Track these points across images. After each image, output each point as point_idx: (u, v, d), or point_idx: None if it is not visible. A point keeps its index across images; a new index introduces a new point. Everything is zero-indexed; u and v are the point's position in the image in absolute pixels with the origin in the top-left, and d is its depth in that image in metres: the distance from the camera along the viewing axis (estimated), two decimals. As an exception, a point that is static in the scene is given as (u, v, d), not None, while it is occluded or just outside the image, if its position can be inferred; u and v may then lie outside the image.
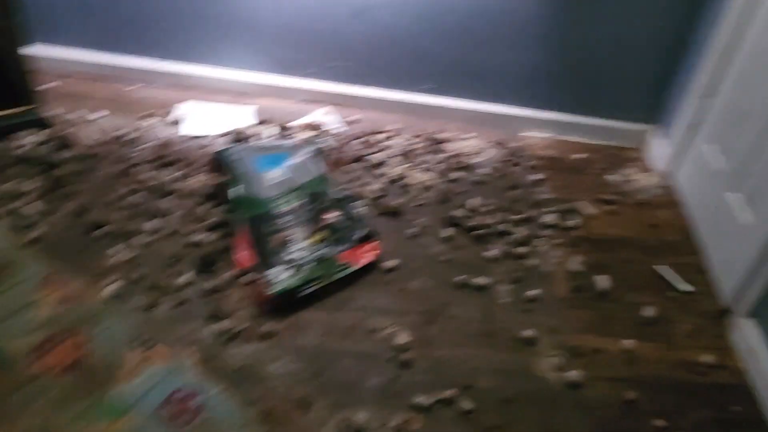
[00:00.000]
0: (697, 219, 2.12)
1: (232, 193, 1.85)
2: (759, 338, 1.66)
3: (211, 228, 1.87)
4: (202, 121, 2.33)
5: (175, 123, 2.31)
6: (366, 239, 1.85)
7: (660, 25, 2.21)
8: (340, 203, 1.90)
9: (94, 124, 2.25)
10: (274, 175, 1.94)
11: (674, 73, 2.33)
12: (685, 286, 1.90)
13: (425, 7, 2.24)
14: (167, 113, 2.36)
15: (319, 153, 2.04)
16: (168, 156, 2.13)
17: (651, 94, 2.40)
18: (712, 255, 1.97)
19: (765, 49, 1.82)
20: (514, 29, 2.26)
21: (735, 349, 1.74)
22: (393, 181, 2.15)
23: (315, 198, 1.89)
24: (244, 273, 1.74)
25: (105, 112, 2.32)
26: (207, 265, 1.76)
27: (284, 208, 1.84)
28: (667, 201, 2.25)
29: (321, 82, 2.48)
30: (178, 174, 2.06)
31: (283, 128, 2.32)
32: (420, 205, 2.09)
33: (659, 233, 2.10)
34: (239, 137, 2.25)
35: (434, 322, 1.72)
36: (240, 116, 2.38)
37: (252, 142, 2.22)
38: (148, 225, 1.86)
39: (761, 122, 1.79)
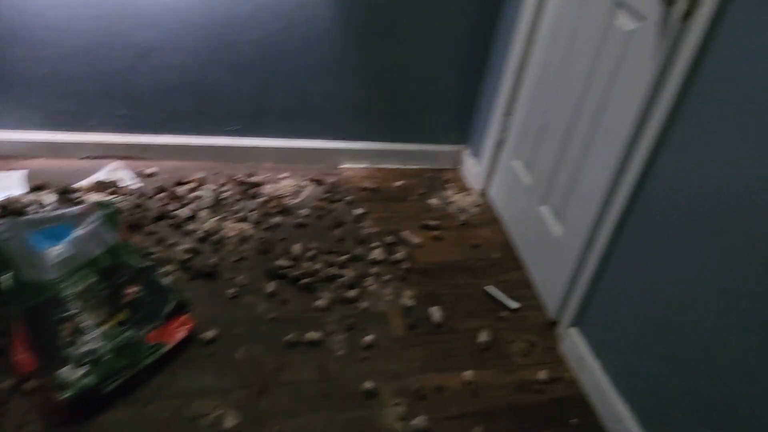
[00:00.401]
0: (515, 234, 2.17)
1: (2, 282, 1.53)
2: (585, 346, 1.71)
3: (-21, 329, 1.53)
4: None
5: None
6: (177, 311, 1.63)
7: (462, 50, 2.25)
8: (142, 274, 1.66)
9: None
10: (56, 252, 1.64)
11: (479, 94, 2.39)
12: (513, 304, 1.92)
13: (217, 45, 2.07)
14: None
15: (112, 217, 1.77)
16: None
17: (461, 116, 2.44)
18: (534, 268, 2.03)
19: (546, 69, 1.91)
20: (317, 61, 2.17)
21: (566, 359, 1.78)
22: (205, 238, 1.95)
23: (110, 273, 1.62)
24: (26, 379, 1.44)
25: None
26: (-25, 378, 1.43)
27: (71, 291, 1.56)
28: (486, 219, 2.29)
29: (107, 134, 2.20)
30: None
31: (65, 192, 2.01)
32: (238, 260, 1.90)
33: (483, 253, 2.12)
34: (10, 210, 1.90)
35: (266, 393, 1.55)
36: (8, 184, 2.02)
37: (27, 215, 1.89)
38: None
39: (554, 137, 1.87)
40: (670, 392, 1.40)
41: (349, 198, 2.25)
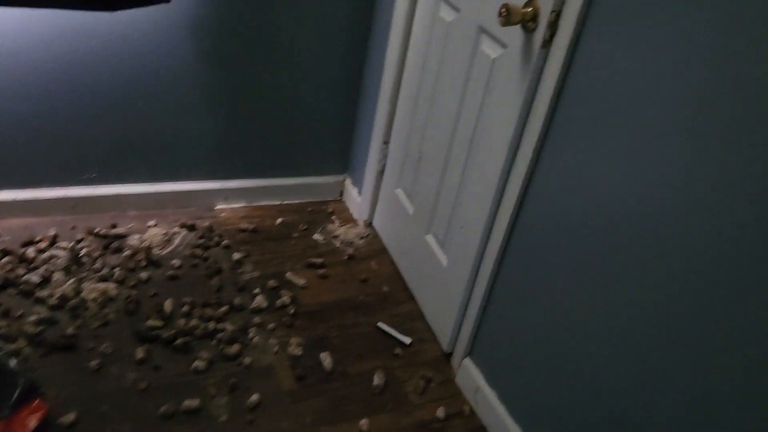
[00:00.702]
0: (403, 265, 2.12)
1: None
2: (480, 376, 1.67)
3: None
4: None
5: None
6: (27, 397, 1.41)
7: (336, 77, 2.18)
8: (-20, 359, 1.43)
9: None
10: None
11: (358, 123, 2.33)
12: (406, 339, 1.86)
13: (62, 87, 1.86)
14: None
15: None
16: None
17: (340, 145, 2.37)
18: (424, 300, 1.98)
19: (418, 95, 1.88)
20: (181, 98, 2.02)
21: (463, 392, 1.74)
22: (60, 304, 1.72)
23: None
24: None
25: None
26: None
27: None
28: (372, 251, 2.22)
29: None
30: None
31: None
32: (101, 325, 1.70)
33: (372, 287, 2.05)
34: None
35: (140, 479, 1.37)
36: None
37: None
38: None
39: (432, 164, 1.84)
40: (564, 417, 1.38)
41: (225, 242, 2.10)
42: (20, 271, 1.80)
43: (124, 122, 2.00)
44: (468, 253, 1.68)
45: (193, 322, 1.75)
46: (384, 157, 2.17)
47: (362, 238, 2.27)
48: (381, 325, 1.89)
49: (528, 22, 1.37)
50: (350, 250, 2.19)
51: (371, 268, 2.13)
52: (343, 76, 2.20)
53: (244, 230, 2.19)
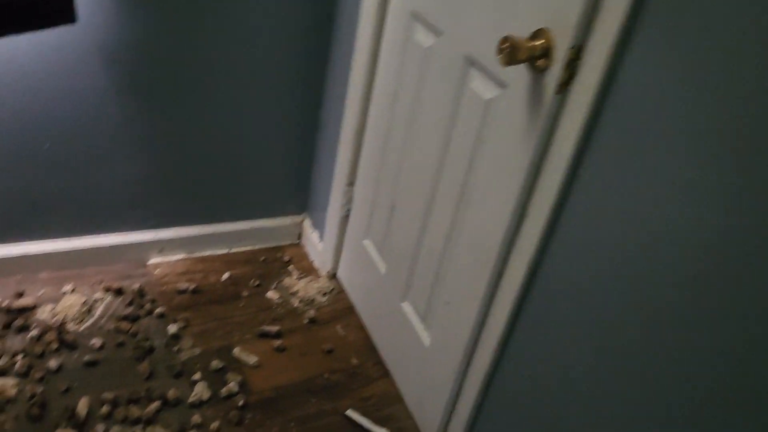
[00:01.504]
0: (374, 330, 1.79)
1: None
2: (476, 483, 1.37)
3: None
4: None
5: None
6: None
7: (289, 106, 1.83)
8: None
9: None
10: None
11: (317, 158, 1.99)
12: (381, 431, 1.54)
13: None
14: None
15: None
16: None
17: (295, 182, 2.02)
18: (402, 379, 1.65)
19: (388, 134, 1.56)
20: (99, 140, 1.64)
21: (454, 500, 1.43)
22: (-61, 413, 1.34)
23: None
24: None
25: None
26: None
27: None
28: (338, 311, 1.89)
29: None
30: None
31: None
32: (-7, 439, 1.33)
33: (338, 360, 1.72)
34: None
35: None
36: None
37: None
38: None
39: (408, 218, 1.52)
40: None
41: (159, 309, 1.73)
42: None
43: (27, 170, 1.61)
44: (458, 335, 1.36)
45: (115, 428, 1.39)
46: (349, 201, 1.83)
47: (325, 294, 1.94)
48: (350, 413, 1.56)
49: (536, 59, 1.06)
50: (312, 312, 1.85)
51: (337, 335, 1.80)
52: (296, 106, 1.86)
53: (182, 291, 1.83)
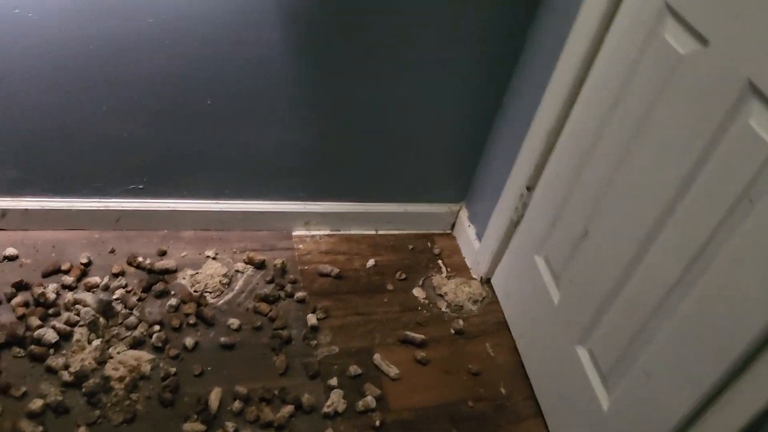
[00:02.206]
0: (529, 360, 1.56)
1: None
2: None
3: None
4: None
5: None
6: None
7: (471, 86, 1.57)
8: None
9: None
10: None
11: (488, 145, 1.74)
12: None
13: (104, 76, 1.36)
14: None
15: None
16: None
17: (459, 166, 1.79)
18: (559, 428, 1.42)
19: (598, 146, 1.26)
20: (261, 100, 1.48)
21: None
22: (77, 382, 1.27)
23: None
24: None
25: None
26: None
27: None
28: (489, 325, 1.67)
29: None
30: None
31: None
32: (127, 421, 1.26)
33: (484, 386, 1.51)
34: None
35: None
36: None
37: None
38: None
39: (606, 254, 1.24)
40: None
41: (300, 294, 1.60)
42: (34, 320, 1.36)
43: (184, 125, 1.49)
44: (652, 420, 1.10)
45: (246, 431, 1.28)
46: (524, 206, 1.58)
47: (476, 302, 1.72)
48: (496, 458, 1.37)
49: None
50: (460, 321, 1.65)
51: (485, 354, 1.59)
52: (477, 86, 1.60)
53: (325, 274, 1.68)
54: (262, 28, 1.36)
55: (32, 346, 1.31)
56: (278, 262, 1.66)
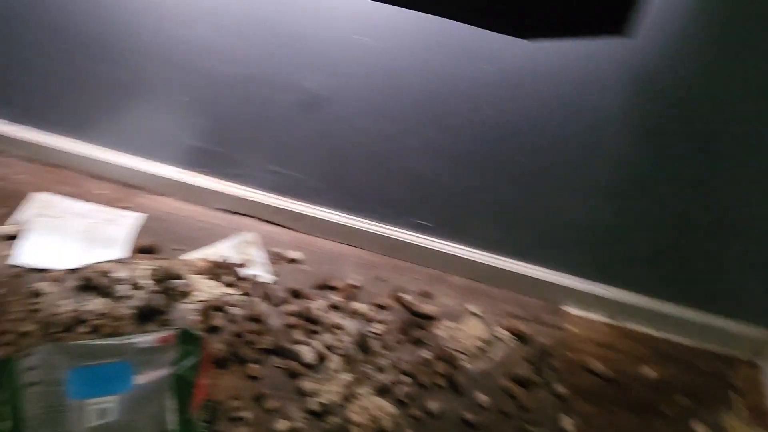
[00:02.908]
0: None
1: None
2: None
3: None
4: (51, 238, 1.48)
5: (11, 239, 1.47)
6: None
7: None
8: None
9: None
10: (99, 408, 1.10)
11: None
12: None
13: (427, 113, 1.31)
14: (11, 213, 1.52)
15: (187, 372, 1.17)
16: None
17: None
18: None
19: None
20: (580, 167, 1.31)
21: None
22: (320, 413, 1.25)
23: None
24: None
25: None
26: None
27: None
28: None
29: (252, 190, 1.58)
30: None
31: (167, 278, 1.42)
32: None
33: None
34: (93, 285, 1.39)
35: None
36: (115, 232, 1.52)
37: (111, 293, 1.35)
38: None
39: None
40: None
41: (560, 386, 1.41)
42: (298, 333, 1.39)
43: (489, 174, 1.38)
44: None
45: None
46: None
47: (776, 469, 1.36)
48: None
49: None
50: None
51: None
52: None
53: (593, 373, 1.46)
54: (605, 94, 1.17)
55: (290, 361, 1.33)
56: (543, 341, 1.48)
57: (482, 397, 1.35)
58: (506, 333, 1.49)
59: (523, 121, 1.26)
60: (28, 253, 1.43)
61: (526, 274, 1.55)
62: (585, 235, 1.44)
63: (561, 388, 1.40)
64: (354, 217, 1.57)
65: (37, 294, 1.35)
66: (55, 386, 1.09)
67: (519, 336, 1.49)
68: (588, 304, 1.57)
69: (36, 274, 1.40)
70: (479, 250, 1.56)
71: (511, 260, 1.55)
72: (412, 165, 1.41)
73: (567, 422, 1.34)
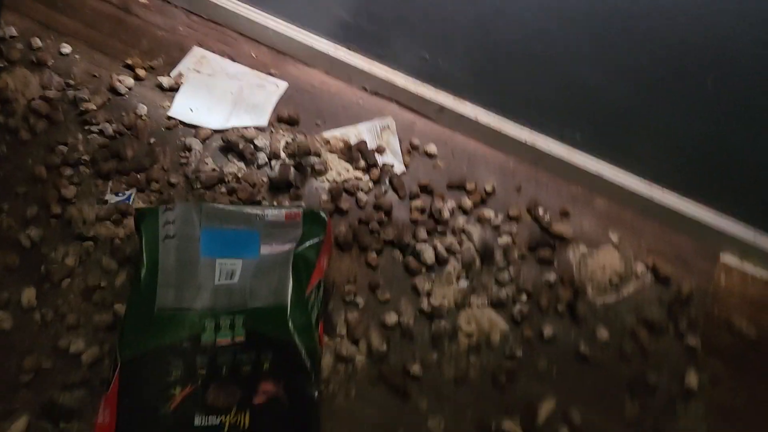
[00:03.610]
0: None
1: (134, 300, 1.13)
2: None
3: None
4: (203, 96, 1.52)
5: (169, 90, 1.53)
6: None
7: None
8: (294, 376, 1.09)
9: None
10: (228, 269, 1.17)
11: None
12: None
13: (604, 12, 1.12)
14: (171, 64, 1.58)
15: (309, 251, 1.19)
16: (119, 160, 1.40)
17: None
18: None
19: None
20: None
21: None
22: (432, 313, 1.25)
23: (261, 343, 1.10)
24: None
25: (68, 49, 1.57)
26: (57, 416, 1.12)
27: (209, 341, 1.09)
28: None
29: (400, 74, 1.50)
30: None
31: (305, 153, 1.43)
32: (456, 381, 1.21)
33: None
34: (232, 148, 1.43)
35: None
36: (262, 99, 1.53)
37: (248, 159, 1.39)
38: None
39: None
40: None
41: (694, 339, 1.28)
42: (422, 231, 1.35)
43: (657, 92, 1.19)
44: None
45: (560, 468, 1.13)
46: None
47: None
48: None
49: None
50: None
51: None
52: None
53: (735, 331, 1.31)
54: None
55: (410, 257, 1.32)
56: (686, 287, 1.34)
57: (603, 333, 1.27)
58: (645, 270, 1.36)
59: (698, 36, 1.04)
60: (183, 108, 1.49)
61: (683, 210, 1.38)
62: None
63: (694, 341, 1.27)
64: (501, 117, 1.46)
65: (188, 149, 1.42)
66: (190, 242, 1.16)
67: (659, 276, 1.35)
68: (750, 255, 1.37)
69: (188, 129, 1.47)
70: (634, 174, 1.39)
71: (669, 192, 1.38)
72: (577, 72, 1.25)
73: (692, 379, 1.23)
